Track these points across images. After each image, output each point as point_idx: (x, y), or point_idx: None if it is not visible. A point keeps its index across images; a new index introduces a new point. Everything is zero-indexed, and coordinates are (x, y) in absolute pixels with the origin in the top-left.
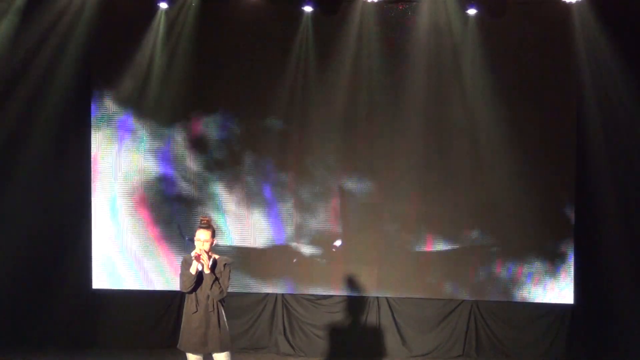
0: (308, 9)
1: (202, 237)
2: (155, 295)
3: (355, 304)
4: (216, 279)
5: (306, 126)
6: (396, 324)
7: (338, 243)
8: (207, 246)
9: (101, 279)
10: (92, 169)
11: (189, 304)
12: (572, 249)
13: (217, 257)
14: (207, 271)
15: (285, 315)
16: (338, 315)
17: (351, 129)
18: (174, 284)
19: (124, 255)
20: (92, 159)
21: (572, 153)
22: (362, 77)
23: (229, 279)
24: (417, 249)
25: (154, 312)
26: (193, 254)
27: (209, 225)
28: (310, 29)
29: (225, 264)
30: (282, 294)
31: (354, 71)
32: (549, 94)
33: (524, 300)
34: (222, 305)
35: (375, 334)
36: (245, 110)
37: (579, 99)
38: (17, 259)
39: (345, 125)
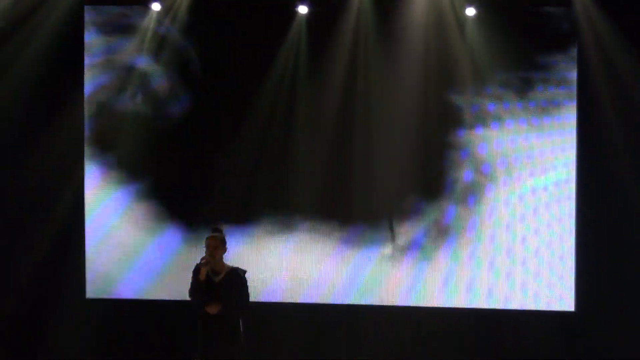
0: (303, 9)
1: (211, 244)
2: (151, 305)
3: (352, 312)
4: (231, 291)
5: (293, 128)
6: (393, 333)
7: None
8: (215, 253)
9: (95, 288)
10: (84, 168)
11: (203, 314)
12: (573, 253)
13: (230, 265)
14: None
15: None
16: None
17: (344, 131)
18: (171, 294)
19: (119, 263)
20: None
21: (572, 152)
22: (357, 77)
23: (248, 291)
24: (416, 258)
25: (150, 322)
26: (201, 260)
27: (219, 233)
28: (304, 26)
29: (240, 275)
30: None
31: (348, 71)
32: (551, 89)
33: (523, 308)
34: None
35: (370, 344)
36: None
37: (583, 97)
38: (5, 265)
39: (337, 127)
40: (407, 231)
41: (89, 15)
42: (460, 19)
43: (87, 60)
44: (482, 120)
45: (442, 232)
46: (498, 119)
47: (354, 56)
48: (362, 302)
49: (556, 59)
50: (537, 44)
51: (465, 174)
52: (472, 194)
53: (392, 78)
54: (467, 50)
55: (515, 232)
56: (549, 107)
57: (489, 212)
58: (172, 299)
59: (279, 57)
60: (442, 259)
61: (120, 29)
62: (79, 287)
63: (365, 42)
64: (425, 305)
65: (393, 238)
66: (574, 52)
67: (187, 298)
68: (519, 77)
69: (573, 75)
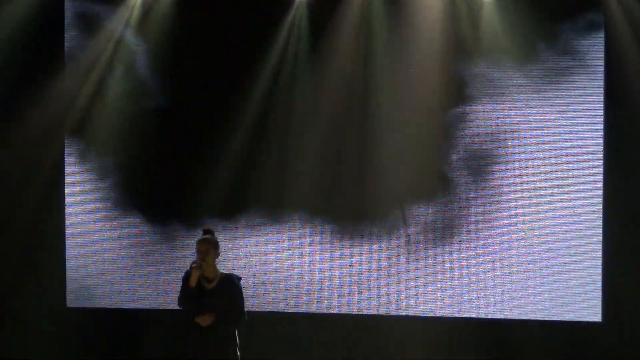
0: None
1: (202, 248)
2: (137, 315)
3: (346, 322)
4: (225, 301)
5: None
6: (396, 346)
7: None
8: (207, 257)
9: (76, 296)
10: (64, 165)
11: (193, 325)
12: (600, 259)
13: (224, 271)
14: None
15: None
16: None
17: (345, 123)
18: (157, 303)
19: (102, 269)
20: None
21: (598, 144)
22: (360, 64)
23: (243, 300)
24: (418, 259)
25: (136, 332)
26: (192, 264)
27: (210, 236)
28: (305, 10)
29: (235, 282)
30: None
31: (351, 59)
32: (576, 73)
33: (544, 318)
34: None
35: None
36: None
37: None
38: None
39: (338, 119)
40: (414, 230)
41: None
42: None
43: (67, 32)
44: (497, 99)
45: (452, 234)
46: (515, 96)
47: (359, 43)
48: (367, 311)
49: (579, 33)
50: (558, 16)
51: (478, 164)
52: (486, 188)
53: (399, 66)
54: (482, 29)
55: (535, 235)
56: (570, 84)
57: (504, 211)
58: (156, 307)
59: (276, 41)
60: (454, 265)
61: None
62: (59, 294)
63: (370, 27)
64: (439, 315)
65: (406, 231)
66: (599, 20)
67: (171, 307)
68: (537, 51)
69: (598, 48)
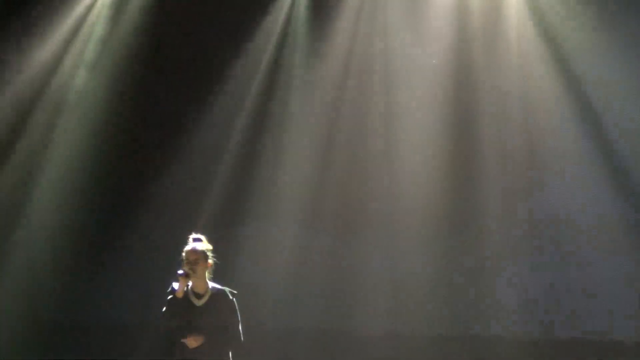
0: None
1: (190, 258)
2: (116, 329)
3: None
4: (217, 319)
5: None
6: None
7: None
8: (196, 268)
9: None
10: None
11: (181, 345)
12: None
13: (216, 286)
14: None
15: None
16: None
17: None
18: (137, 317)
19: (81, 278)
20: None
21: None
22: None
23: (238, 318)
24: (438, 268)
25: (116, 348)
26: (180, 272)
27: (200, 243)
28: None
29: (228, 297)
30: None
31: (355, 43)
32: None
33: (577, 335)
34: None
35: None
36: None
37: None
38: None
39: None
40: (445, 241)
41: None
42: None
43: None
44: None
45: (487, 247)
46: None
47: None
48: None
49: None
50: None
51: (509, 167)
52: (509, 188)
53: (415, 52)
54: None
55: (568, 243)
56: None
57: (532, 211)
58: (138, 324)
59: (273, 32)
60: (475, 279)
61: None
62: (37, 307)
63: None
64: (459, 335)
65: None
66: None
67: (155, 324)
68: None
69: None
